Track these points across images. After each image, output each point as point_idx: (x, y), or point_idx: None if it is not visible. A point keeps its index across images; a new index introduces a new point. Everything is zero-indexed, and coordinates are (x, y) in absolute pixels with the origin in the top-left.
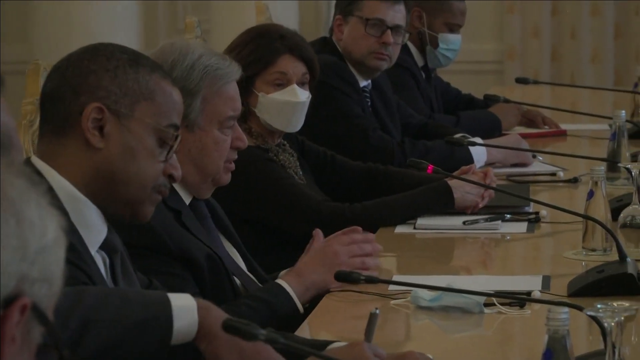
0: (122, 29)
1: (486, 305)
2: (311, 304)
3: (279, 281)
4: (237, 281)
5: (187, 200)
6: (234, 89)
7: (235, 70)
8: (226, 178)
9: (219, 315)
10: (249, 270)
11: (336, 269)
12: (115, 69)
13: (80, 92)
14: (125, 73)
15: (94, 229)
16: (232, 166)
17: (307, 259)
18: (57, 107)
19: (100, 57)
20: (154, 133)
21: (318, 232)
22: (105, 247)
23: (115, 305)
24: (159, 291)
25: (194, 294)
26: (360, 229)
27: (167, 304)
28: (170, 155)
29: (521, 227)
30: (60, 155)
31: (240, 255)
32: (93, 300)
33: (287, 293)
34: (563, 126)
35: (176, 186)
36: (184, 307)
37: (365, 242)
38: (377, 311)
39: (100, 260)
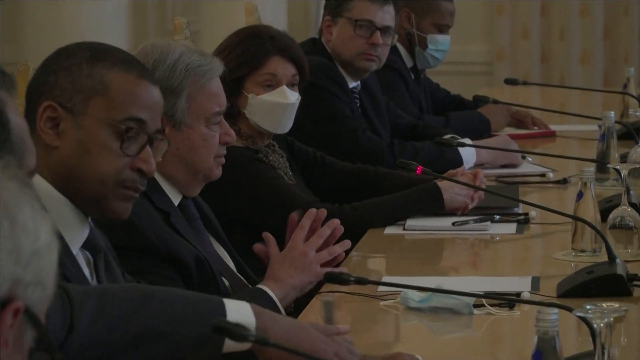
0: (112, 29)
1: (475, 306)
2: (296, 308)
3: (261, 286)
4: (226, 283)
5: (176, 200)
6: (217, 85)
7: (217, 66)
8: (217, 173)
9: (278, 333)
10: (238, 272)
11: (308, 268)
12: (71, 66)
13: (42, 92)
14: (80, 70)
15: (75, 228)
16: (222, 160)
17: (277, 266)
18: (28, 108)
19: (63, 56)
20: (109, 127)
21: (269, 237)
22: (87, 246)
23: (175, 318)
24: (218, 300)
25: None
26: (314, 210)
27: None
28: (133, 148)
29: (510, 228)
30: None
31: (230, 256)
32: (156, 309)
33: (271, 298)
34: (552, 127)
35: (165, 187)
36: (241, 323)
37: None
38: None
39: (83, 260)
